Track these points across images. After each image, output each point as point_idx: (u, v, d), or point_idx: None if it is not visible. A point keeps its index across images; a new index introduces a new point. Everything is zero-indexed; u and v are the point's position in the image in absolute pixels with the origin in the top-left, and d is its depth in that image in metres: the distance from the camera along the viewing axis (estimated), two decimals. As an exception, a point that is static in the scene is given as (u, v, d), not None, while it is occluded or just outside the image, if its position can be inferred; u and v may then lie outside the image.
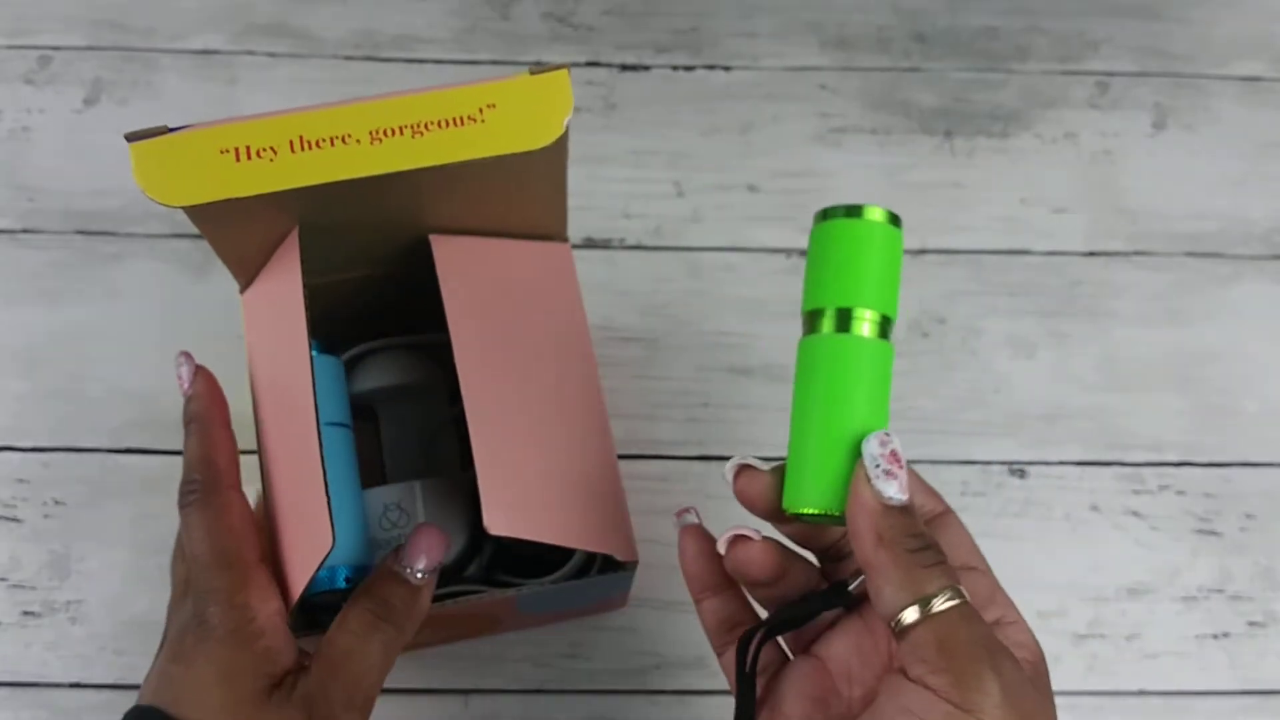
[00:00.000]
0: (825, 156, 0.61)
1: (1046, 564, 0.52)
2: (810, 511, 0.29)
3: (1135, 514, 0.53)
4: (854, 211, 0.30)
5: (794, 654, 0.34)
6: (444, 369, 0.47)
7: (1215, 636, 0.51)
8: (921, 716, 0.26)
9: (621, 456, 0.53)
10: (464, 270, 0.39)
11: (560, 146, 0.34)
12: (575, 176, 0.61)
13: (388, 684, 0.49)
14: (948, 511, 0.32)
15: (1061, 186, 0.61)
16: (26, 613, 0.49)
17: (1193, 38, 0.65)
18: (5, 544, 0.51)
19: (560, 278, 0.42)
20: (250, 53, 0.62)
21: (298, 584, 0.34)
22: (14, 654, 0.49)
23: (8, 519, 0.51)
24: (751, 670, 0.32)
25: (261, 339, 0.39)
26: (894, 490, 0.28)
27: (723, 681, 0.49)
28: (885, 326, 0.30)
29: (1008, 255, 0.59)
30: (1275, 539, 0.53)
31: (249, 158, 0.32)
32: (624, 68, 0.63)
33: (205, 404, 0.36)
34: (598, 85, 0.62)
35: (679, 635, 0.50)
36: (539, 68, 0.33)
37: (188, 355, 0.37)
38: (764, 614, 0.34)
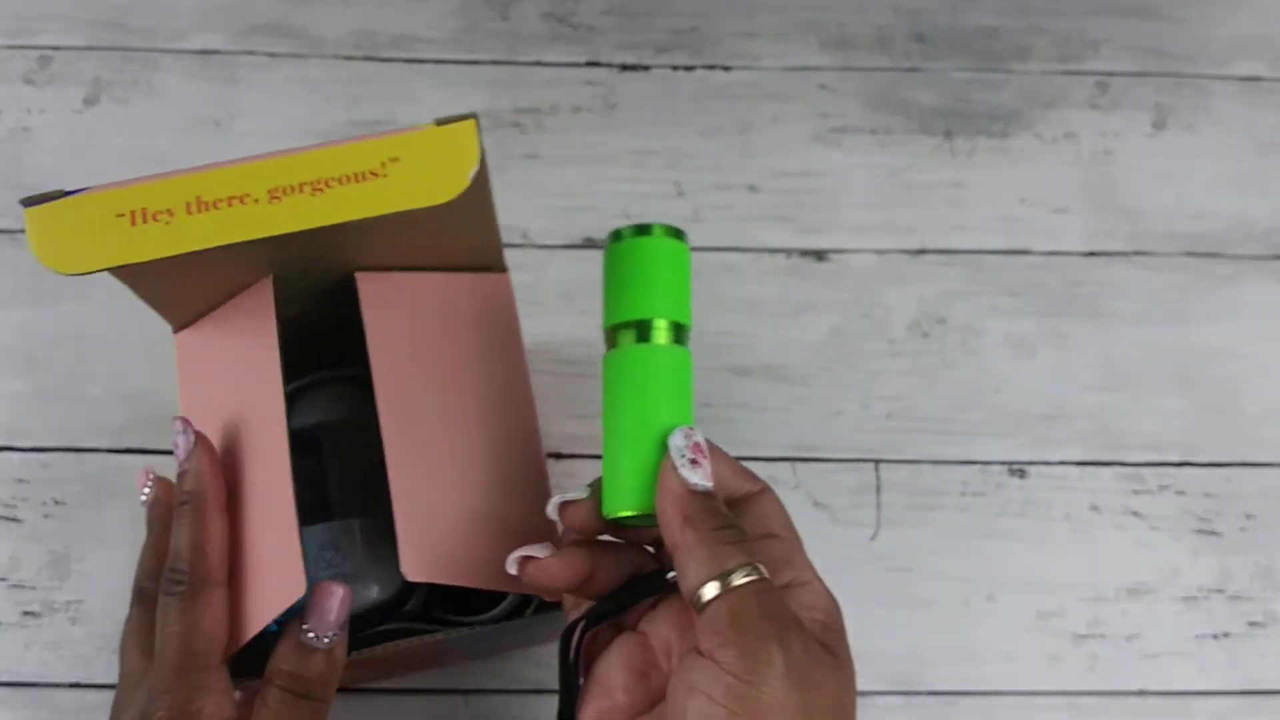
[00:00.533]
0: (825, 156, 0.61)
1: (1046, 564, 0.52)
2: (627, 514, 0.31)
3: (1135, 514, 0.53)
4: (642, 230, 0.32)
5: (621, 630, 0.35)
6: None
7: (1215, 636, 0.51)
8: (706, 690, 0.27)
9: (621, 456, 0.53)
10: (390, 306, 0.39)
11: (479, 187, 0.33)
12: (575, 176, 0.62)
13: (388, 685, 0.49)
14: (764, 490, 0.33)
15: (1061, 186, 0.61)
16: (26, 613, 0.49)
17: (1193, 38, 0.65)
18: (5, 544, 0.51)
19: (496, 310, 0.41)
20: (250, 53, 0.62)
21: (257, 624, 0.34)
22: (14, 654, 0.49)
23: (8, 519, 0.51)
24: (575, 661, 0.33)
25: (217, 373, 0.38)
26: (698, 477, 0.30)
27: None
28: (680, 333, 0.32)
29: (1008, 255, 0.59)
30: (1275, 539, 0.53)
31: (145, 221, 0.32)
32: (624, 68, 0.63)
33: (203, 483, 0.35)
34: (598, 85, 0.62)
35: (679, 635, 0.50)
36: (445, 119, 0.32)
37: (185, 422, 0.36)
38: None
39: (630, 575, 0.33)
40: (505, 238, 0.58)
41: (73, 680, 0.48)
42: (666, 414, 0.31)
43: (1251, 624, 0.51)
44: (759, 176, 0.60)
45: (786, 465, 0.54)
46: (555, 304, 0.57)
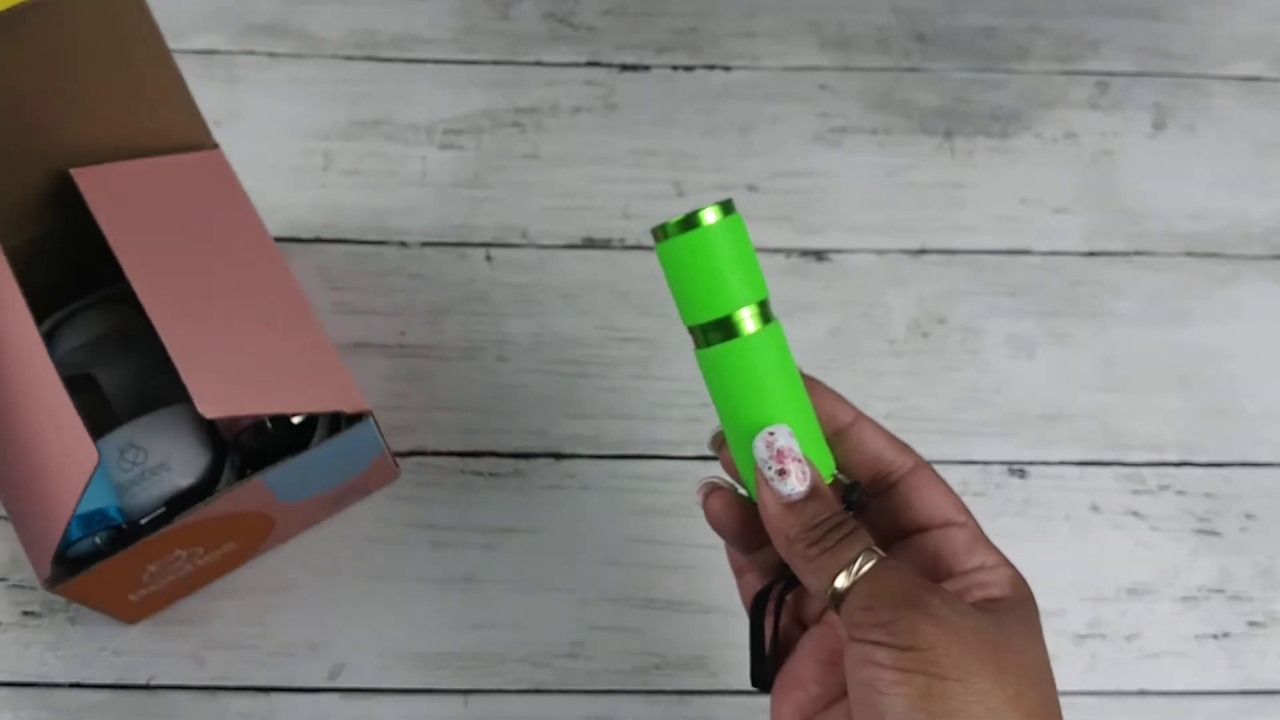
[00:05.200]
0: (825, 156, 0.61)
1: (1046, 564, 0.52)
2: None
3: (1135, 514, 0.53)
4: (689, 224, 0.30)
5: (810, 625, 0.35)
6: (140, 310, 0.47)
7: (1215, 636, 0.51)
8: (873, 660, 0.27)
9: (622, 456, 0.53)
10: (116, 195, 0.40)
11: (140, 25, 0.35)
12: (575, 177, 0.62)
13: (387, 684, 0.49)
14: (919, 466, 0.32)
15: (1061, 186, 0.61)
16: (26, 613, 0.49)
17: (1193, 38, 0.65)
18: (6, 544, 0.51)
19: (220, 182, 0.43)
20: (250, 52, 0.62)
21: (67, 505, 0.35)
22: (14, 654, 0.49)
23: (9, 519, 0.51)
24: (775, 623, 0.32)
25: None
26: (789, 488, 0.29)
27: (723, 681, 0.49)
28: (763, 309, 0.31)
29: (1008, 255, 0.59)
30: (1275, 539, 0.53)
31: None
32: (624, 68, 0.63)
33: None
34: (598, 85, 0.62)
35: (679, 635, 0.50)
36: None
37: None
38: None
39: None
40: (505, 237, 0.58)
41: (73, 680, 0.48)
42: (776, 399, 0.30)
43: (1252, 624, 0.51)
44: (759, 176, 0.60)
45: (786, 465, 0.54)
46: (555, 304, 0.57)
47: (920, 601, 0.27)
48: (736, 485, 0.33)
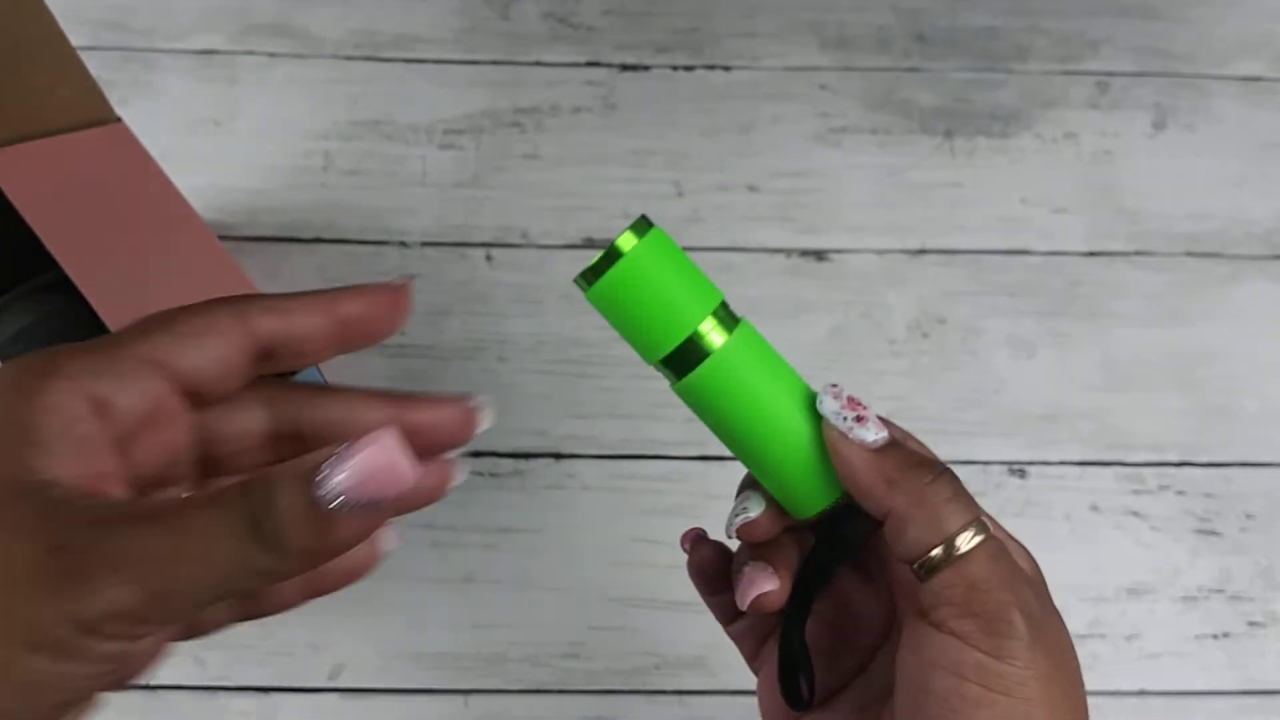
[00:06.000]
0: (825, 156, 0.61)
1: (1046, 564, 0.52)
2: (825, 508, 0.28)
3: (1135, 514, 0.53)
4: (611, 257, 0.27)
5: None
6: (76, 296, 0.44)
7: (1215, 636, 0.51)
8: (953, 669, 0.24)
9: (622, 456, 0.53)
10: (28, 177, 0.40)
11: (30, 6, 0.35)
12: (575, 177, 0.62)
13: (387, 684, 0.49)
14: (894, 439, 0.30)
15: (1061, 187, 0.61)
16: (26, 613, 0.49)
17: (1193, 38, 0.65)
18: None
19: (129, 154, 0.43)
20: (250, 53, 0.62)
21: None
22: (14, 654, 0.49)
23: None
24: (804, 653, 0.30)
25: None
26: (873, 433, 0.26)
27: (722, 681, 0.49)
28: (724, 313, 0.28)
29: (1008, 255, 0.59)
30: (1275, 539, 0.53)
31: None
32: (624, 68, 0.63)
33: None
34: (598, 85, 0.62)
35: (679, 635, 0.50)
36: None
37: None
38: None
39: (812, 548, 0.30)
40: (505, 238, 0.58)
41: (73, 680, 0.48)
42: (783, 402, 0.27)
43: (1251, 624, 0.51)
44: (759, 176, 0.60)
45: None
46: (555, 304, 0.57)
47: (1026, 604, 0.25)
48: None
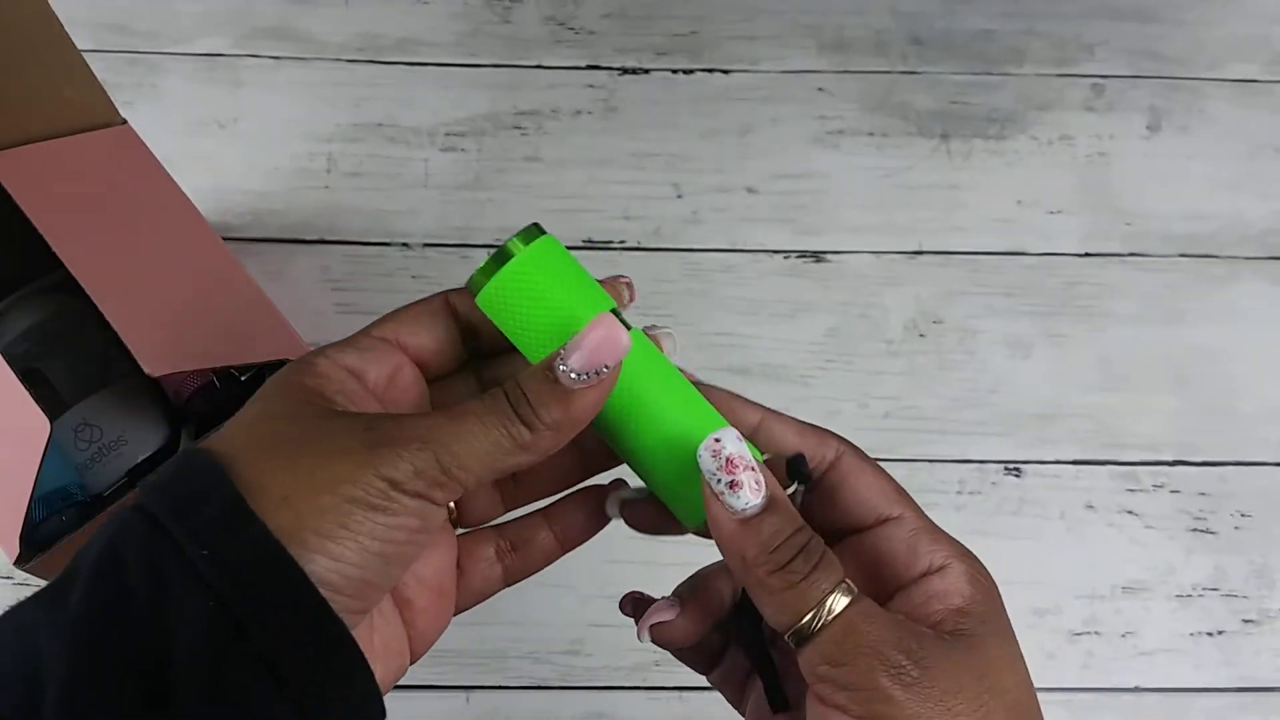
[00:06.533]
0: (823, 158, 0.61)
1: (1042, 562, 0.52)
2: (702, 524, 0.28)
3: (1130, 512, 0.54)
4: (502, 258, 0.27)
5: None
6: (81, 297, 0.45)
7: (1210, 634, 0.51)
8: None
9: (621, 456, 0.54)
10: (35, 178, 0.41)
11: (35, 9, 0.35)
12: (575, 179, 0.62)
13: (390, 681, 0.49)
14: (843, 454, 0.28)
15: (1057, 188, 0.61)
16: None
17: (1187, 41, 0.65)
18: (11, 542, 0.51)
19: (134, 155, 0.44)
20: (254, 56, 0.63)
21: (27, 479, 0.35)
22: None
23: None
24: (764, 652, 0.29)
25: None
26: (743, 501, 0.25)
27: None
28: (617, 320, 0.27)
29: (1004, 256, 0.59)
30: (1269, 537, 0.53)
31: None
32: (624, 71, 0.63)
33: None
34: (598, 88, 0.63)
35: (678, 632, 0.50)
36: None
37: None
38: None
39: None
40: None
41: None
42: (673, 415, 0.27)
43: (1246, 621, 0.52)
44: (758, 178, 0.61)
45: (785, 464, 0.54)
46: (556, 305, 0.57)
47: (895, 667, 0.24)
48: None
